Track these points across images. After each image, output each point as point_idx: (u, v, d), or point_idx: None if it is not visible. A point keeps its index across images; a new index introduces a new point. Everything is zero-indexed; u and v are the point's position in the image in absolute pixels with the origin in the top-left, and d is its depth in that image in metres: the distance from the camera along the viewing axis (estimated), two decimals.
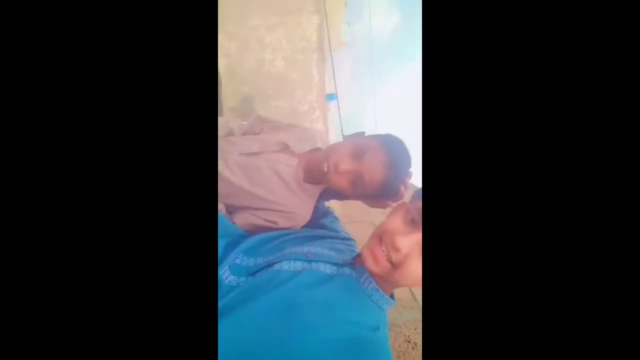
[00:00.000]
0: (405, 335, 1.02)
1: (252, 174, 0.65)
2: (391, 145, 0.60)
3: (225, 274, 0.51)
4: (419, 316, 1.07)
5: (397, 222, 0.48)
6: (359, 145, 0.60)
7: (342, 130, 2.32)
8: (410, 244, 0.45)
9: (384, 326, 0.51)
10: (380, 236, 0.49)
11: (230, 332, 0.40)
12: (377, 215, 0.70)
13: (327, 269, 0.52)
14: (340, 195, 0.70)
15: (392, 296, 0.55)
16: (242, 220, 0.65)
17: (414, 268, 0.46)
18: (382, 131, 0.65)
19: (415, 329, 1.03)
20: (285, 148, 0.68)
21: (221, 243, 0.55)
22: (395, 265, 0.47)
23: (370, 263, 0.49)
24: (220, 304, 0.45)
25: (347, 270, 0.53)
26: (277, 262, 0.51)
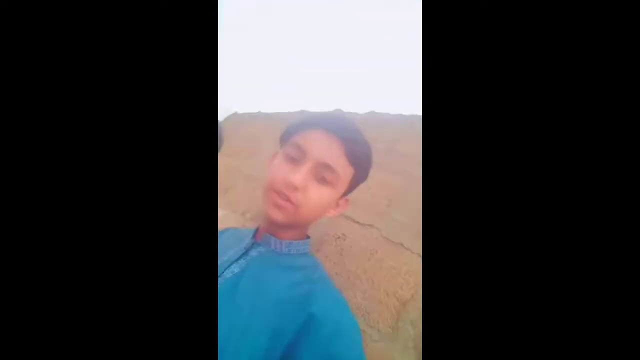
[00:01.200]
0: None
1: None
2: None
3: None
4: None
5: (282, 171, 0.50)
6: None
7: None
8: (301, 177, 0.48)
9: (322, 270, 0.55)
10: (272, 187, 0.50)
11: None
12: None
13: (236, 268, 0.51)
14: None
15: (307, 237, 0.59)
16: None
17: (313, 195, 0.49)
18: None
19: None
20: None
21: None
22: (298, 204, 0.49)
23: (275, 214, 0.50)
24: None
25: (254, 252, 0.54)
26: None
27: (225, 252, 0.55)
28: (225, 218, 1.18)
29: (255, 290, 0.46)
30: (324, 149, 0.49)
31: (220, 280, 0.48)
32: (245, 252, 0.54)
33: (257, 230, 0.60)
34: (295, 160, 0.50)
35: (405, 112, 1.08)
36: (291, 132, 0.55)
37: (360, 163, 0.53)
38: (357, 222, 0.92)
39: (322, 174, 0.50)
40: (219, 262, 0.52)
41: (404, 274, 0.77)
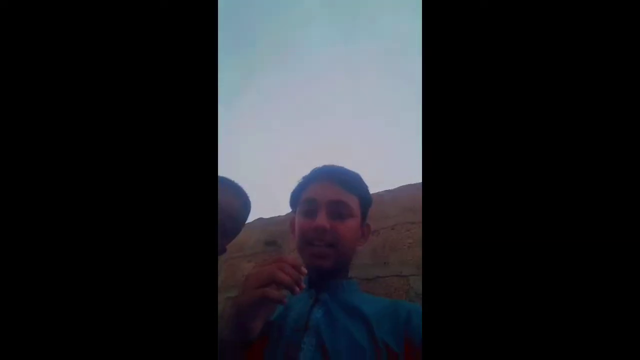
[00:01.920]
0: None
1: None
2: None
3: None
4: None
5: (305, 224, 0.57)
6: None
7: None
8: (324, 218, 0.55)
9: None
10: (305, 241, 0.57)
11: None
12: None
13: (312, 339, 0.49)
14: None
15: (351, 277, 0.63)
16: None
17: (340, 229, 0.56)
18: None
19: None
20: None
21: None
22: (333, 243, 0.55)
23: (320, 262, 0.55)
24: None
25: (322, 297, 0.54)
26: None
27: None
28: None
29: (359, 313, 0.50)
30: (328, 192, 0.59)
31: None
32: (314, 300, 0.54)
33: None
34: (310, 212, 0.58)
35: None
36: (295, 195, 0.66)
37: (358, 189, 0.62)
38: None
39: (338, 210, 0.58)
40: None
41: None
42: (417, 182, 1.04)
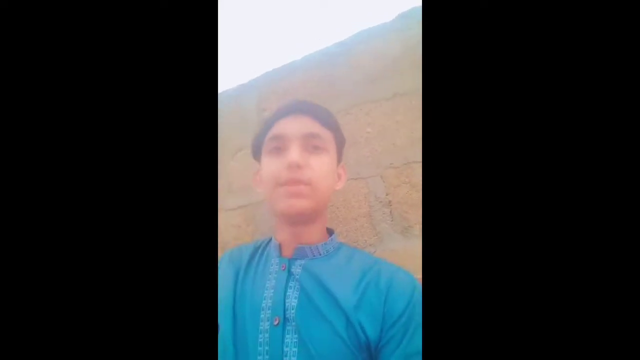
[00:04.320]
0: None
1: None
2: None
3: None
4: None
5: (276, 164, 0.50)
6: None
7: None
8: (297, 153, 0.48)
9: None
10: (276, 184, 0.49)
11: None
12: None
13: (294, 301, 0.48)
14: None
15: (332, 232, 0.57)
16: None
17: (316, 166, 0.49)
18: None
19: None
20: None
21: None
22: (309, 181, 0.48)
23: (297, 203, 0.48)
24: None
25: (295, 272, 0.51)
26: None
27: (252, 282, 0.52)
28: None
29: (333, 298, 0.45)
30: (300, 124, 0.51)
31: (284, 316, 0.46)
32: (287, 278, 0.50)
33: (278, 245, 0.55)
34: (280, 149, 0.51)
35: None
36: (260, 139, 0.55)
37: (333, 124, 0.54)
38: None
39: (312, 142, 0.50)
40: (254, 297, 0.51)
41: None
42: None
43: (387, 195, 0.70)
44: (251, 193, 0.84)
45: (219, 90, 0.91)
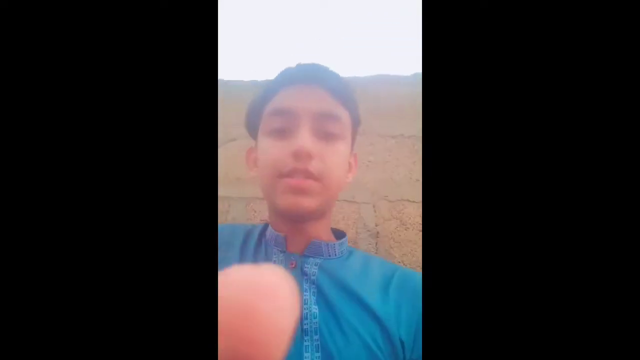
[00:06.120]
0: None
1: None
2: None
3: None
4: None
5: (278, 149, 0.39)
6: None
7: None
8: (308, 139, 0.37)
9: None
10: (279, 175, 0.39)
11: None
12: None
13: (314, 307, 0.38)
14: None
15: (343, 232, 0.49)
16: None
17: (330, 157, 0.39)
18: None
19: None
20: None
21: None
22: (320, 175, 0.38)
23: (304, 201, 0.38)
24: None
25: (311, 272, 0.41)
26: None
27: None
28: None
29: (363, 306, 0.37)
30: (312, 99, 0.39)
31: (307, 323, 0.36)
32: (300, 279, 0.39)
33: (282, 238, 0.44)
34: (284, 131, 0.39)
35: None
36: (258, 109, 0.43)
37: (350, 101, 0.43)
38: None
39: (326, 127, 0.39)
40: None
41: None
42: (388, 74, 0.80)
43: (376, 226, 0.68)
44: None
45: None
